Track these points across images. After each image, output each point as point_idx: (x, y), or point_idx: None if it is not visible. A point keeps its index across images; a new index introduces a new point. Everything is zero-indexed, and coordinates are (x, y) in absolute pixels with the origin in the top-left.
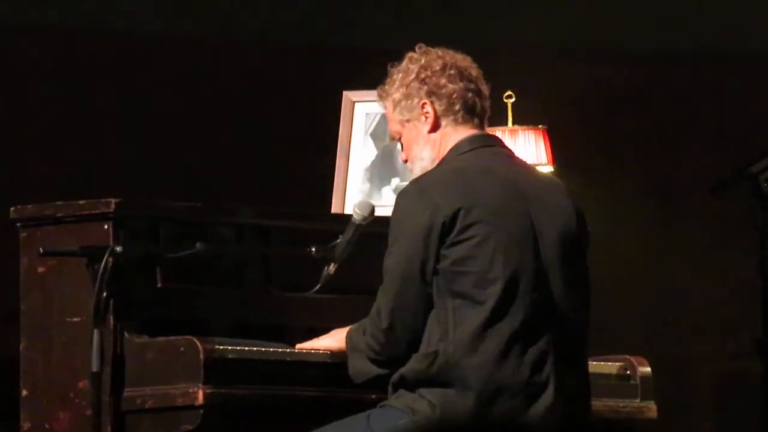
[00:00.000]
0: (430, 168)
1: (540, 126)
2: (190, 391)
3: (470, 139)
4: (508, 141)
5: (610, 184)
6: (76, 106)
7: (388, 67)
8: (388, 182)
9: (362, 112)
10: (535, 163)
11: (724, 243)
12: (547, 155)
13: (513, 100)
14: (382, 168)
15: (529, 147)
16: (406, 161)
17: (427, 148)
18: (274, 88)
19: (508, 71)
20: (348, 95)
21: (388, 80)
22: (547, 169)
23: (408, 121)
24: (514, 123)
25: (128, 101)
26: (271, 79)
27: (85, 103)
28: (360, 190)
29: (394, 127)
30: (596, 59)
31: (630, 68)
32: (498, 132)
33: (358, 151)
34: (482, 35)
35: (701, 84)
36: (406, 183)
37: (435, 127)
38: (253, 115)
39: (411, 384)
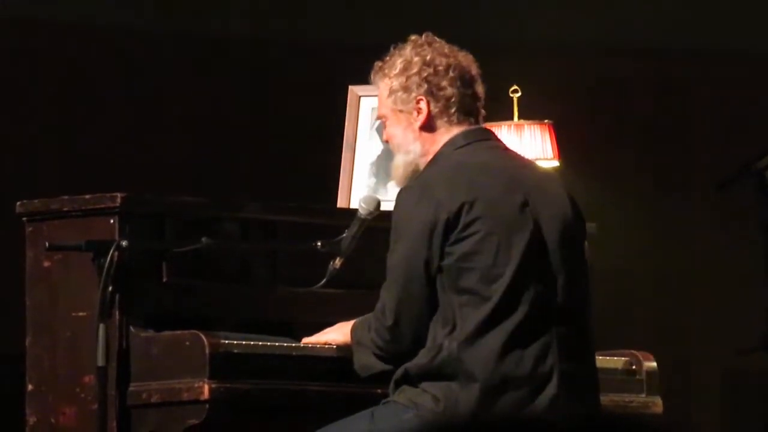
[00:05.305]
0: (415, 161)
1: (546, 121)
2: (196, 385)
3: (465, 134)
4: (513, 136)
5: (616, 178)
6: (81, 101)
7: (391, 48)
8: None
9: (368, 107)
10: (541, 158)
11: (731, 238)
12: (552, 150)
13: (519, 94)
14: (388, 163)
15: (534, 142)
16: (387, 141)
17: (417, 144)
18: (279, 83)
19: (513, 66)
20: (354, 90)
21: (389, 61)
22: (552, 164)
23: (400, 111)
24: (519, 118)
25: (133, 97)
26: (275, 74)
27: (91, 99)
28: (366, 184)
29: (383, 110)
30: (602, 54)
31: (636, 63)
32: (504, 126)
33: (363, 145)
34: (488, 29)
35: (708, 80)
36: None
37: (427, 125)
38: (259, 110)
39: (414, 379)
